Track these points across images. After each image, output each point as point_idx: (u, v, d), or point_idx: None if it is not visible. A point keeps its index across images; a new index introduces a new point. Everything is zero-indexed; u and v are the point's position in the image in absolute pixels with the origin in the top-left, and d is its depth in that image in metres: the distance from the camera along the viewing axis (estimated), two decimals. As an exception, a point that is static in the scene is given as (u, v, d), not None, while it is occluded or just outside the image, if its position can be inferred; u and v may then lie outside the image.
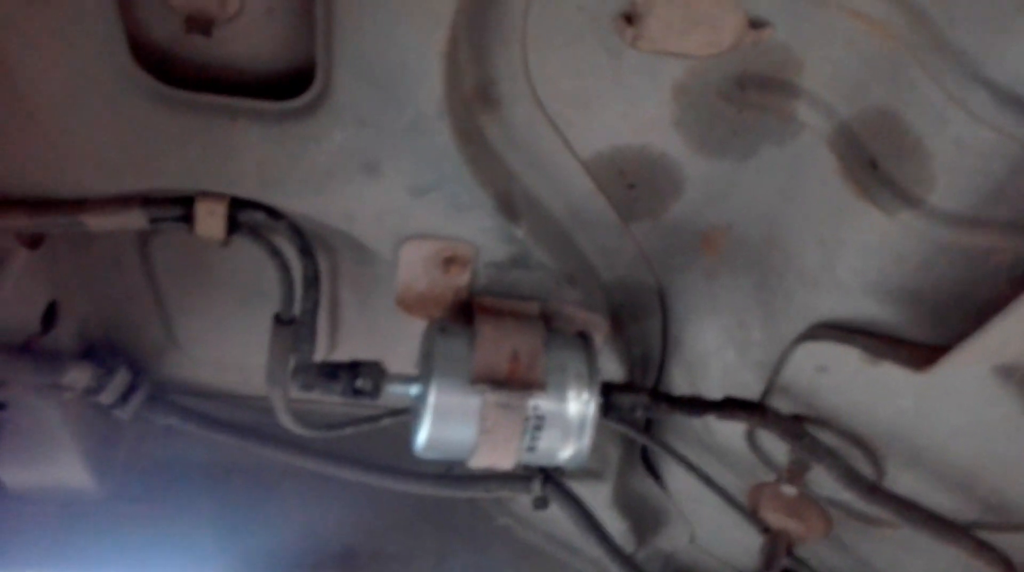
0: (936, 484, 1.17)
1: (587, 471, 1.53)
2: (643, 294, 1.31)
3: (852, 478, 1.13)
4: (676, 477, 1.56)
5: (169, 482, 1.64)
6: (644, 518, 1.64)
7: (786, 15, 0.92)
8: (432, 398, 1.03)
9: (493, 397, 1.01)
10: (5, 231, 1.02)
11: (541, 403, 1.04)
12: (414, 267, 1.11)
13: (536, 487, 1.48)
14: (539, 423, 1.05)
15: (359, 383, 1.08)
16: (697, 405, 1.17)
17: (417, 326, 1.23)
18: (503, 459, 1.07)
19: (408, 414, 1.49)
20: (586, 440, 1.08)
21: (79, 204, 1.00)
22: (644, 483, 1.59)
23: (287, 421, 1.29)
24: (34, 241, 1.08)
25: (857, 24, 0.89)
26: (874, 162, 0.95)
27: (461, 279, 1.13)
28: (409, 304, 1.17)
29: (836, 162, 0.99)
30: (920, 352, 1.02)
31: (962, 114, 0.85)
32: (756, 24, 0.93)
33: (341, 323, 1.42)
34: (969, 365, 0.99)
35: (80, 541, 1.59)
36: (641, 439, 1.42)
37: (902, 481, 1.20)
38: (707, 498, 1.48)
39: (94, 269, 1.27)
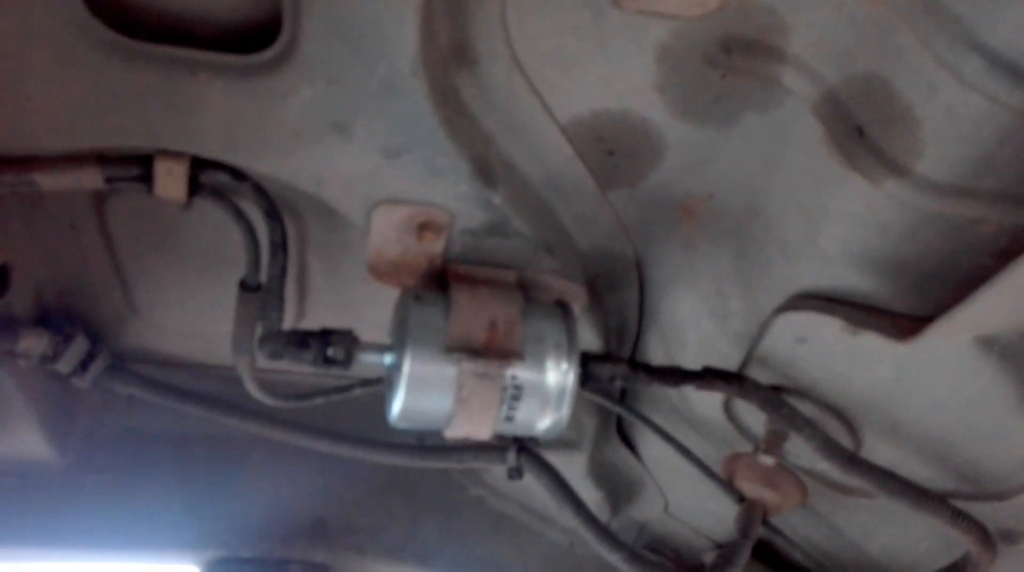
0: (913, 455, 1.17)
1: (562, 441, 1.51)
2: (620, 264, 1.29)
3: (830, 449, 1.13)
4: (651, 447, 1.55)
5: (132, 453, 1.60)
6: (618, 488, 1.63)
7: None
8: (407, 367, 1.00)
9: (470, 366, 0.98)
10: (-50, 190, 0.96)
11: (519, 373, 1.01)
12: (386, 233, 1.07)
13: (511, 457, 1.46)
14: (517, 393, 1.02)
15: (331, 352, 1.04)
16: (676, 375, 1.15)
17: (389, 294, 1.19)
18: (480, 429, 1.05)
19: (380, 384, 1.46)
20: (565, 410, 1.05)
21: (29, 162, 0.94)
22: (619, 453, 1.58)
23: (254, 391, 1.25)
24: (-19, 201, 1.02)
25: (847, -15, 0.86)
26: (861, 130, 0.93)
27: (435, 246, 1.09)
28: (381, 272, 1.13)
29: (821, 130, 0.96)
30: (902, 322, 1.01)
31: (953, 81, 0.82)
32: (745, -17, 0.90)
33: (309, 291, 1.37)
34: (950, 336, 0.98)
35: (40, 513, 1.54)
36: (616, 409, 1.41)
37: (879, 452, 1.20)
38: (682, 468, 1.48)
39: (48, 231, 1.21)
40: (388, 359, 1.07)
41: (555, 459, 1.45)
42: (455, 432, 1.06)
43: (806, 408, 1.20)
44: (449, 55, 0.94)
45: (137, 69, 0.87)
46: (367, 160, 0.97)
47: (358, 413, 1.66)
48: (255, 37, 0.88)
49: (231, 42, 0.88)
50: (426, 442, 1.64)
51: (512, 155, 1.07)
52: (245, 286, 1.09)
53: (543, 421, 1.06)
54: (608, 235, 1.24)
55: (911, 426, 1.14)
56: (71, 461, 1.54)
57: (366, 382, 1.41)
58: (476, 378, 1.00)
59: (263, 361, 1.10)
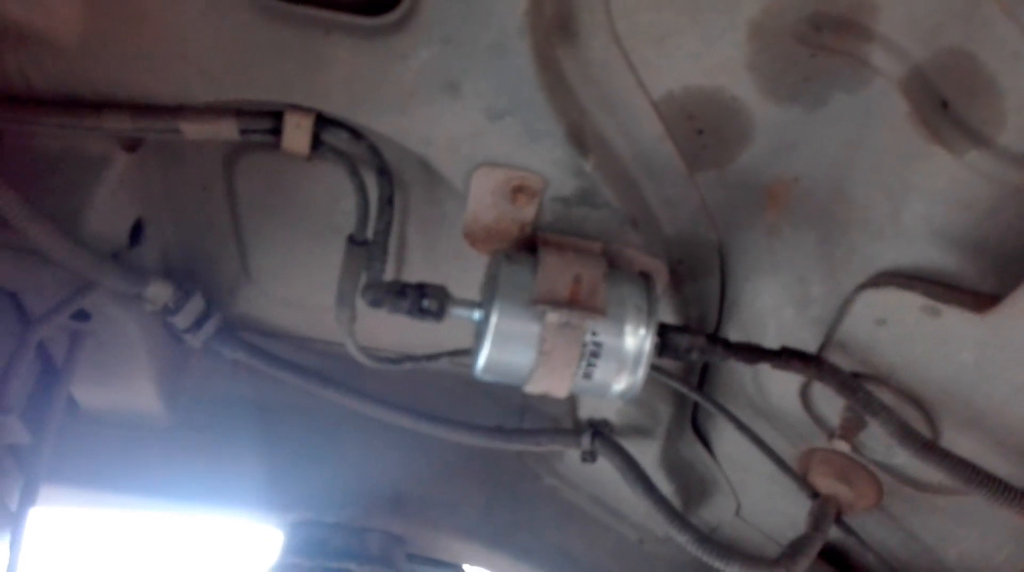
0: (993, 448, 1.16)
1: (637, 428, 1.54)
2: (704, 250, 1.33)
3: (906, 435, 1.13)
4: (725, 444, 1.56)
5: (232, 417, 1.70)
6: (691, 485, 1.64)
7: None
8: (494, 318, 1.07)
9: (554, 316, 1.04)
10: (109, 133, 1.09)
11: (600, 329, 1.07)
12: (483, 197, 1.15)
13: (585, 441, 1.51)
14: (596, 350, 1.08)
15: (425, 303, 1.12)
16: (753, 352, 1.18)
17: (478, 270, 1.27)
18: (559, 384, 1.10)
19: (466, 355, 1.53)
20: (640, 374, 1.10)
21: (178, 110, 1.07)
22: (693, 449, 1.60)
23: (351, 345, 1.34)
24: (132, 145, 1.16)
25: (935, -38, 0.91)
26: (945, 103, 0.96)
27: (528, 212, 1.17)
28: (476, 237, 1.22)
29: (907, 106, 1.00)
30: (983, 300, 1.02)
31: (1038, 49, 0.86)
32: (835, -40, 0.95)
33: (405, 264, 1.47)
34: (1032, 314, 0.99)
35: (146, 466, 1.66)
36: (693, 396, 1.43)
37: (959, 444, 1.19)
38: (756, 466, 1.49)
39: (182, 192, 1.35)
40: (477, 314, 1.14)
41: (629, 446, 1.49)
42: (536, 386, 1.12)
43: (884, 396, 1.20)
44: (553, 26, 1.03)
45: (279, 27, 0.99)
46: (472, 120, 1.05)
47: (442, 395, 1.75)
48: (380, 2, 0.99)
49: (359, 5, 0.99)
50: (505, 426, 1.70)
51: (605, 129, 1.14)
52: (353, 240, 1.19)
53: (619, 383, 1.11)
54: (693, 219, 1.29)
55: (992, 416, 1.13)
56: (178, 419, 1.65)
57: (454, 353, 1.48)
58: (558, 330, 1.06)
59: (364, 310, 1.19)
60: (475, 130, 1.07)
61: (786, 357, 1.19)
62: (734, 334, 1.40)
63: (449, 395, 1.79)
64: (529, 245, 1.21)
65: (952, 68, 0.94)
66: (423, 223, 1.39)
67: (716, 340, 1.17)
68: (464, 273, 1.42)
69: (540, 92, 1.02)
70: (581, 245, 1.18)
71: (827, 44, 1.03)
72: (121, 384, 1.53)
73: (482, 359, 1.10)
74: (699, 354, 1.16)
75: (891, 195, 1.07)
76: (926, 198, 1.03)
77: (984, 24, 0.89)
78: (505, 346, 1.08)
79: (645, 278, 1.14)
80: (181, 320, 1.42)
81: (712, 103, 1.12)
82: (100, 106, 1.07)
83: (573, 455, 1.62)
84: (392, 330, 1.57)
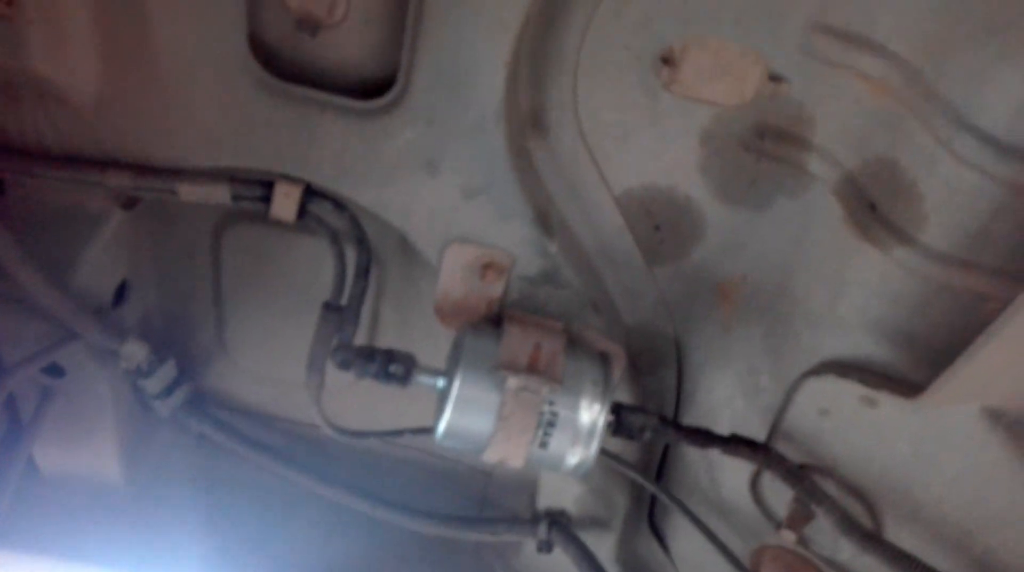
0: (933, 542, 1.19)
1: (594, 519, 1.55)
2: (661, 342, 1.40)
3: (849, 526, 1.16)
4: (680, 543, 1.57)
5: (189, 492, 1.70)
6: (645, 583, 1.64)
7: (801, 74, 1.07)
8: (458, 383, 1.12)
9: (513, 381, 1.10)
10: (109, 191, 1.18)
11: (557, 399, 1.12)
12: (454, 272, 1.23)
13: (542, 530, 1.52)
14: (552, 420, 1.12)
15: (392, 367, 1.17)
16: (704, 436, 1.23)
17: (447, 348, 1.34)
18: (515, 452, 1.14)
19: (429, 432, 1.56)
20: (593, 448, 1.14)
21: (177, 172, 1.16)
22: (648, 545, 1.60)
23: (317, 414, 1.37)
24: (129, 204, 1.23)
25: (861, 83, 1.04)
26: (873, 205, 1.07)
27: (496, 288, 1.24)
28: (445, 312, 1.28)
29: (840, 209, 1.11)
30: (915, 390, 1.09)
31: (950, 157, 0.97)
32: (775, 78, 1.09)
33: (378, 340, 1.52)
34: (958, 403, 1.05)
35: (98, 535, 1.63)
36: (649, 487, 1.46)
37: (901, 538, 1.22)
38: (710, 567, 1.49)
39: (169, 257, 1.42)
40: (441, 381, 1.19)
41: (586, 538, 1.50)
42: (493, 453, 1.15)
43: (829, 487, 1.24)
44: (527, 120, 1.14)
45: (279, 103, 1.09)
46: (449, 197, 1.15)
47: (403, 483, 1.76)
48: (371, 87, 1.11)
49: (353, 89, 1.11)
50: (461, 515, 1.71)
51: (569, 217, 1.24)
52: (328, 307, 1.25)
53: (572, 456, 1.15)
54: (652, 311, 1.37)
55: (930, 508, 1.17)
56: (136, 490, 1.65)
57: (419, 430, 1.51)
58: (517, 395, 1.11)
59: (332, 372, 1.24)
60: (451, 206, 1.16)
61: (734, 443, 1.23)
62: (689, 422, 1.45)
63: (410, 483, 1.80)
64: (496, 322, 1.27)
65: (879, 174, 1.06)
66: (397, 300, 1.46)
67: (668, 422, 1.22)
68: (434, 351, 1.48)
69: (511, 174, 1.12)
70: (544, 322, 1.25)
71: (770, 152, 1.15)
72: (84, 447, 1.54)
73: (443, 423, 1.14)
74: (652, 434, 1.20)
75: (828, 288, 1.16)
76: (860, 292, 1.12)
77: (906, 136, 1.01)
78: (466, 411, 1.13)
79: (603, 357, 1.21)
80: (152, 385, 1.46)
81: (668, 201, 1.23)
82: (105, 164, 1.15)
83: (530, 549, 1.62)
84: (360, 411, 1.62)
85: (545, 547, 1.52)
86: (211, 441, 1.59)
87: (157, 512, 1.66)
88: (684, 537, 1.56)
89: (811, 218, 1.16)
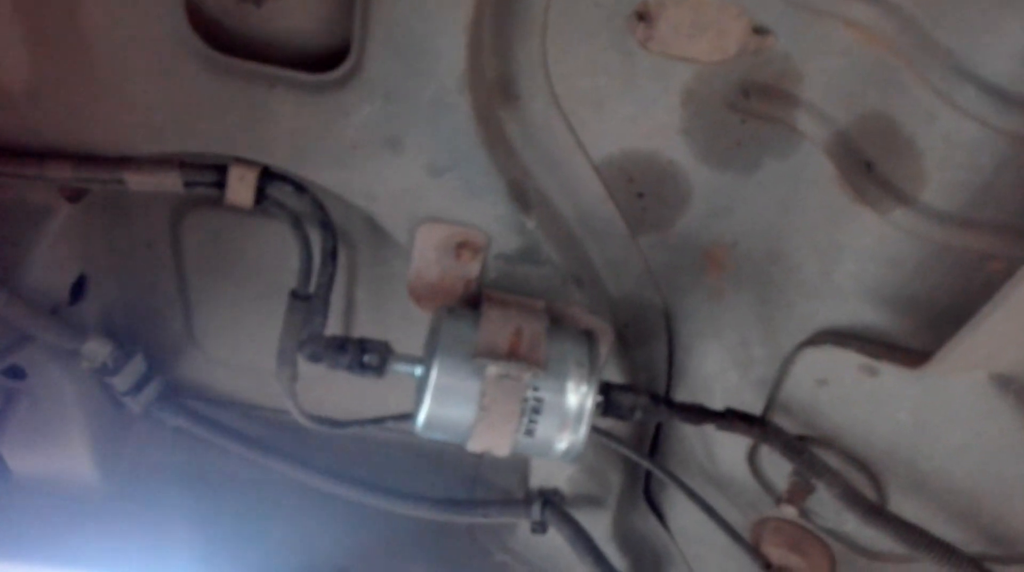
0: (938, 512, 1.15)
1: (588, 498, 1.51)
2: (649, 314, 1.34)
3: (852, 498, 1.12)
4: (679, 516, 1.53)
5: (169, 488, 1.65)
6: (644, 558, 1.60)
7: (786, 25, 0.99)
8: (435, 373, 1.06)
9: (493, 369, 1.04)
10: (51, 183, 1.09)
11: (540, 384, 1.06)
12: (427, 253, 1.16)
13: (535, 511, 1.47)
14: (537, 406, 1.06)
15: (366, 358, 1.11)
16: (698, 413, 1.17)
17: (424, 332, 1.27)
18: (500, 441, 1.08)
19: (410, 418, 1.51)
20: (582, 432, 1.08)
21: (121, 161, 1.08)
22: (646, 521, 1.56)
23: (293, 407, 1.31)
24: (75, 196, 1.16)
25: (851, 33, 0.96)
26: (869, 165, 1.00)
27: (472, 268, 1.17)
28: (420, 294, 1.22)
29: (833, 169, 1.04)
30: (917, 357, 1.03)
31: (949, 110, 0.90)
32: (759, 31, 1.00)
33: (353, 325, 1.46)
34: (963, 371, 1.00)
35: (77, 537, 1.58)
36: (644, 463, 1.41)
37: (905, 509, 1.18)
38: (710, 538, 1.46)
39: (127, 248, 1.34)
40: (419, 370, 1.13)
41: (580, 517, 1.46)
42: (477, 443, 1.10)
43: (830, 459, 1.19)
44: (494, 87, 1.06)
45: (224, 81, 1.01)
46: (414, 176, 1.07)
47: (390, 466, 1.71)
48: (323, 61, 1.02)
49: (304, 63, 1.02)
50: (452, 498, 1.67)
51: (547, 188, 1.16)
52: (295, 295, 1.18)
53: (560, 441, 1.09)
54: (638, 282, 1.30)
55: (935, 478, 1.13)
56: (113, 489, 1.59)
57: (400, 416, 1.45)
58: (498, 383, 1.05)
59: (303, 365, 1.17)
60: (417, 185, 1.08)
61: (730, 418, 1.18)
62: (682, 397, 1.39)
63: (398, 467, 1.75)
64: (474, 303, 1.21)
65: (873, 131, 0.98)
66: (370, 283, 1.39)
67: (659, 400, 1.16)
68: (412, 334, 1.41)
69: (480, 149, 1.05)
70: (525, 302, 1.19)
71: (756, 110, 1.07)
72: (55, 449, 1.48)
73: (423, 415, 1.08)
74: (643, 414, 1.15)
75: (823, 255, 1.09)
76: (856, 257, 1.05)
77: (901, 89, 0.94)
78: (446, 401, 1.06)
79: (588, 335, 1.14)
80: (120, 381, 1.40)
81: (650, 166, 1.16)
82: (43, 156, 1.07)
83: (525, 529, 1.58)
84: (340, 399, 1.55)
85: (539, 528, 1.48)
86: (188, 434, 1.54)
87: (136, 510, 1.61)
88: (682, 511, 1.52)
89: (802, 180, 1.09)
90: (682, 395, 1.39)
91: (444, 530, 1.70)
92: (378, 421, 1.43)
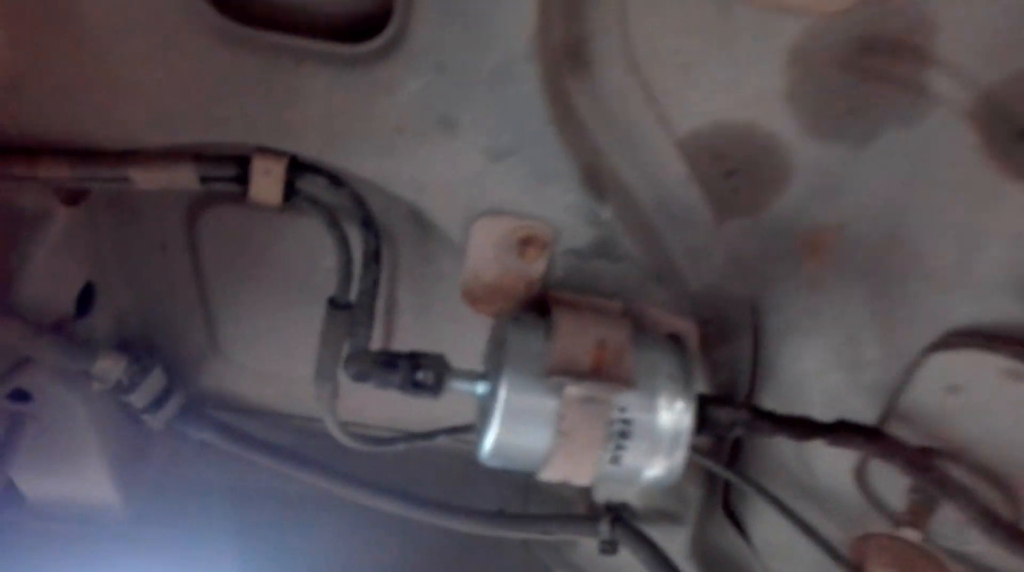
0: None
1: (663, 513, 1.36)
2: (734, 308, 1.18)
3: (991, 521, 0.95)
4: (764, 528, 1.37)
5: (198, 507, 1.52)
6: (722, 576, 1.45)
7: None
8: (503, 393, 0.90)
9: (575, 390, 0.88)
10: (45, 185, 0.93)
11: (629, 405, 0.90)
12: (485, 250, 1.00)
13: (604, 529, 1.32)
14: (625, 429, 0.90)
15: (420, 376, 0.95)
16: (806, 427, 1.01)
17: (479, 336, 1.11)
18: (581, 471, 0.92)
19: (466, 431, 1.36)
20: (678, 457, 0.92)
21: (125, 155, 0.91)
22: (726, 534, 1.41)
23: (333, 426, 1.16)
24: (74, 198, 1.00)
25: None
26: (1023, 132, 0.82)
27: (536, 267, 1.01)
28: (475, 296, 1.05)
29: (976, 138, 0.86)
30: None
31: None
32: (889, -28, 0.82)
33: (396, 329, 1.30)
34: None
35: (99, 567, 1.46)
36: (727, 475, 1.25)
37: (1048, 532, 1.01)
38: (799, 554, 1.30)
39: (138, 252, 1.19)
40: (481, 388, 0.97)
41: (654, 534, 1.30)
42: (553, 473, 0.94)
43: (958, 475, 1.03)
44: (562, 53, 0.88)
45: (242, 57, 0.84)
46: (472, 162, 0.90)
47: (436, 474, 1.57)
48: (362, 27, 0.85)
49: (337, 32, 0.85)
50: (508, 510, 1.52)
51: (622, 171, 0.99)
52: (334, 304, 1.02)
53: (653, 468, 0.93)
54: (722, 273, 1.13)
55: (1090, 497, 0.96)
56: (137, 511, 1.46)
57: (454, 429, 1.30)
58: (580, 406, 0.88)
59: (345, 385, 1.02)
60: (475, 173, 0.91)
61: (844, 432, 1.01)
62: (769, 402, 1.23)
63: (444, 474, 1.61)
64: (538, 305, 1.04)
65: (1033, 91, 0.80)
66: (414, 283, 1.23)
67: (761, 413, 1.00)
68: (461, 339, 1.26)
69: (550, 126, 0.87)
70: (599, 304, 1.02)
71: (877, 71, 0.89)
72: (70, 473, 1.35)
73: (489, 441, 0.93)
74: (743, 430, 0.99)
75: (959, 241, 0.92)
76: (1004, 244, 0.88)
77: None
78: (516, 426, 0.91)
79: (676, 342, 0.98)
80: (138, 398, 1.25)
81: (745, 141, 0.98)
82: (35, 153, 0.91)
83: (588, 543, 1.43)
84: (381, 402, 1.40)
85: (609, 548, 1.32)
86: (215, 448, 1.39)
87: (162, 533, 1.48)
88: (767, 523, 1.36)
89: (932, 152, 0.91)
90: (767, 399, 1.23)
91: (497, 544, 1.55)
92: (429, 436, 1.28)
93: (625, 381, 0.89)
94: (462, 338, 1.26)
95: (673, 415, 0.92)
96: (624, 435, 0.91)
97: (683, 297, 1.12)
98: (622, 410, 0.90)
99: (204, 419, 1.36)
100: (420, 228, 1.14)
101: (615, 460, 0.92)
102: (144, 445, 1.44)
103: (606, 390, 0.87)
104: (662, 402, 0.92)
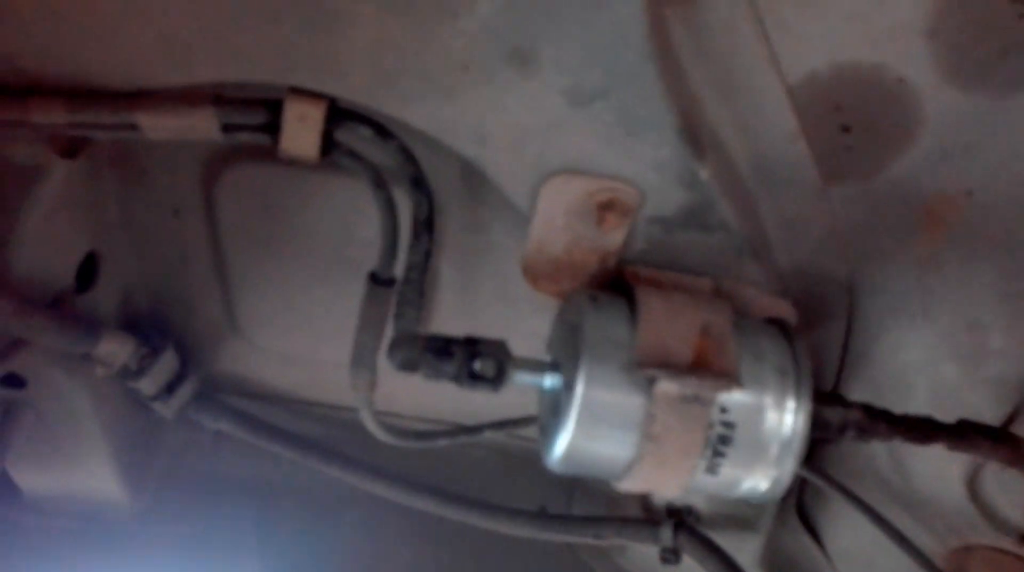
0: None
1: (732, 518, 1.21)
2: (827, 288, 1.02)
3: None
4: (842, 536, 1.23)
5: (213, 502, 1.39)
6: (794, 586, 1.30)
7: None
8: (581, 389, 0.75)
9: (669, 387, 0.72)
10: (37, 132, 0.78)
11: (731, 403, 0.75)
12: (555, 217, 0.84)
13: (665, 535, 1.17)
14: (726, 434, 0.76)
15: (478, 365, 0.80)
16: (925, 428, 0.86)
17: (532, 320, 0.97)
18: (670, 482, 0.78)
19: (515, 425, 1.22)
20: (787, 468, 0.78)
21: (133, 97, 0.76)
22: (799, 542, 1.26)
23: (370, 421, 1.02)
24: (72, 149, 0.84)
25: None
26: None
27: (614, 238, 0.86)
28: (538, 272, 0.90)
29: None
30: None
31: None
32: None
33: (434, 309, 1.15)
34: None
35: (106, 566, 1.32)
36: (812, 478, 1.11)
37: None
38: (880, 564, 1.16)
39: (148, 217, 1.04)
40: (551, 381, 0.82)
41: (722, 541, 1.16)
42: (635, 482, 0.79)
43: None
44: (661, -22, 0.73)
45: (274, -26, 0.69)
46: (548, 106, 0.75)
47: (471, 467, 1.43)
48: None
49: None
50: (551, 508, 1.39)
51: (720, 123, 0.84)
52: (376, 279, 0.87)
53: (755, 479, 0.78)
54: (818, 247, 0.98)
55: None
56: (145, 506, 1.33)
57: (502, 424, 1.16)
58: (676, 405, 0.73)
59: (391, 373, 0.87)
60: (552, 120, 0.76)
61: (969, 435, 0.86)
62: (858, 394, 1.08)
63: (480, 467, 1.47)
64: (614, 284, 0.89)
65: None
66: (460, 255, 1.07)
67: (876, 413, 0.85)
68: (510, 321, 1.11)
69: (649, 63, 0.72)
70: (687, 283, 0.87)
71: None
72: (70, 467, 1.21)
73: (561, 446, 0.78)
74: (855, 434, 0.83)
75: None
76: None
77: None
78: (595, 428, 0.76)
79: (781, 328, 0.83)
80: (147, 385, 1.11)
81: (869, 87, 0.82)
82: (25, 93, 0.76)
83: (641, 547, 1.29)
84: (413, 388, 1.26)
85: (672, 557, 1.18)
86: (232, 438, 1.26)
87: (172, 530, 1.35)
88: (847, 530, 1.21)
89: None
90: (860, 389, 1.08)
91: (539, 546, 1.41)
92: (475, 431, 1.14)
93: (730, 376, 0.74)
94: (511, 320, 1.12)
95: (783, 416, 0.77)
96: (725, 440, 0.76)
97: (773, 275, 0.97)
98: (723, 411, 0.75)
99: (220, 407, 1.24)
100: (471, 191, 0.98)
101: (712, 469, 0.77)
102: (153, 435, 1.30)
103: (710, 387, 0.72)
104: (769, 401, 0.77)
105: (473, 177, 0.93)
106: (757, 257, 0.90)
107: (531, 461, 1.48)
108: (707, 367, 0.73)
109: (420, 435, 1.13)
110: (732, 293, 0.90)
